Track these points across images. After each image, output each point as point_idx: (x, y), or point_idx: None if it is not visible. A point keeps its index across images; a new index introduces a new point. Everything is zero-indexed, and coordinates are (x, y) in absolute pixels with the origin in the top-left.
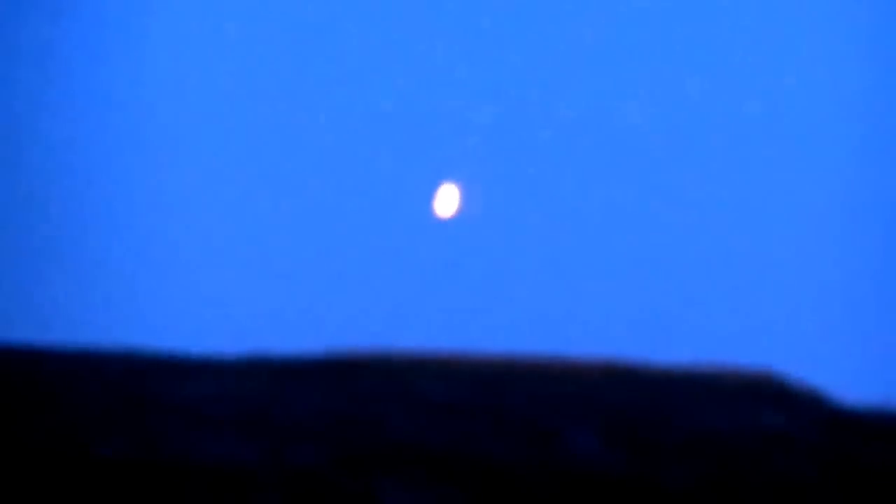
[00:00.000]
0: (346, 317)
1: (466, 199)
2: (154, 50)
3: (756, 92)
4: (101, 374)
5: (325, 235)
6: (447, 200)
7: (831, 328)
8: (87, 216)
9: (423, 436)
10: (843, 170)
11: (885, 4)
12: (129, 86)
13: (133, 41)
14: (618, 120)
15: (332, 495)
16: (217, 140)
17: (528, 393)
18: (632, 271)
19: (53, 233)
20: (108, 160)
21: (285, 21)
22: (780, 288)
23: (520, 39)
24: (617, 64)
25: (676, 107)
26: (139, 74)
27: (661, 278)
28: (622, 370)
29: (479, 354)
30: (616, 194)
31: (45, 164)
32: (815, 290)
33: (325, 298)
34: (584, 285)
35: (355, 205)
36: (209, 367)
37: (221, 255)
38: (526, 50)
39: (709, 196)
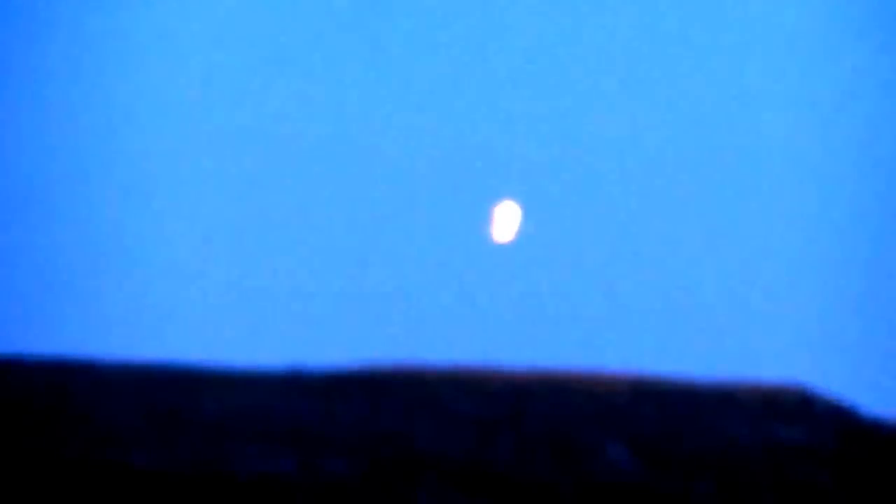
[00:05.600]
0: (378, 332)
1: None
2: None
3: (795, 116)
4: (136, 385)
5: (361, 254)
6: (503, 223)
7: (857, 341)
8: (129, 232)
9: (453, 449)
10: (869, 187)
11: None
12: (144, 94)
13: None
14: (657, 151)
15: None
16: (262, 157)
17: (556, 407)
18: (658, 289)
19: (95, 247)
20: (140, 178)
21: (344, 35)
22: (806, 303)
23: (573, 75)
24: (669, 95)
25: (714, 134)
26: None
27: (686, 296)
28: (648, 385)
29: (508, 369)
30: (644, 220)
31: (73, 182)
32: (841, 305)
33: (359, 314)
34: (612, 303)
35: (391, 224)
36: (244, 380)
37: (259, 271)
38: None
39: (735, 218)
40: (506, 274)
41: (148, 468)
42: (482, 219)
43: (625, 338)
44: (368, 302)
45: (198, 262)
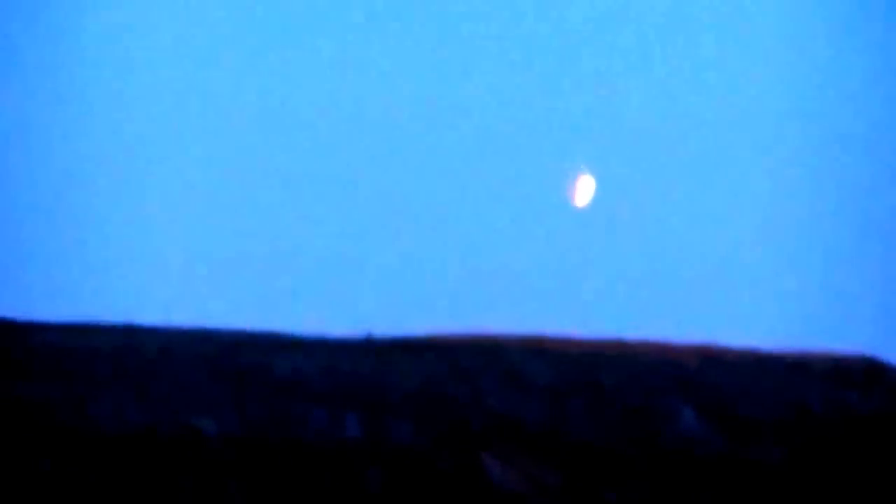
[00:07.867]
0: (449, 299)
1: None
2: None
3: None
4: (201, 349)
5: (432, 223)
6: (582, 190)
7: None
8: (205, 199)
9: (522, 414)
10: None
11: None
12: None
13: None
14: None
15: (432, 470)
16: (345, 127)
17: (626, 374)
18: (728, 259)
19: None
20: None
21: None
22: (877, 274)
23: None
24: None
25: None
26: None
27: (755, 265)
28: (718, 354)
29: (578, 337)
30: (716, 193)
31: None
32: None
33: (429, 280)
34: (682, 273)
35: (465, 193)
36: (314, 347)
37: (331, 239)
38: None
39: (803, 190)
40: (579, 245)
41: (215, 432)
42: (557, 189)
43: (694, 307)
44: (440, 270)
45: (280, 228)
